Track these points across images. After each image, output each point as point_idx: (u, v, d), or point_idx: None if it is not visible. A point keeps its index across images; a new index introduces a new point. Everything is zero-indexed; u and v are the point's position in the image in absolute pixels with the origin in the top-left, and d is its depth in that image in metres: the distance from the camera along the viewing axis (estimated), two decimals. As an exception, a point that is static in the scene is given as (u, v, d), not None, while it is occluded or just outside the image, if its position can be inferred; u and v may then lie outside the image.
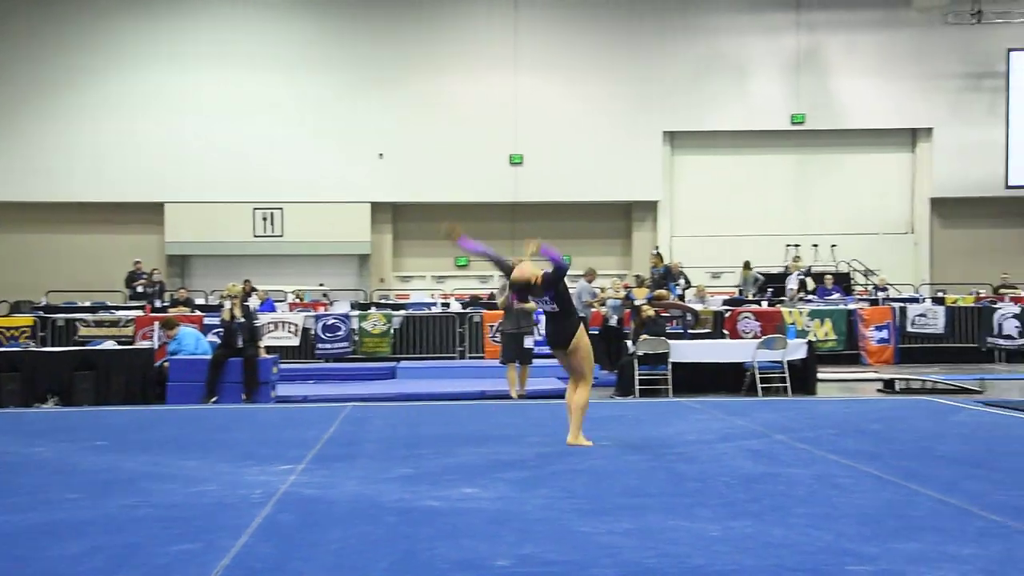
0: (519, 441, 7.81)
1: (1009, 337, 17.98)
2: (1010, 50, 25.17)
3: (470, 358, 17.37)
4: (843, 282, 22.09)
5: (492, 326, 17.37)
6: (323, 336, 17.38)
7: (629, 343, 12.92)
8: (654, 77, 25.76)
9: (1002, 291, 21.64)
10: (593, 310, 16.37)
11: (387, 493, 5.69)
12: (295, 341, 17.31)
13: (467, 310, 18.69)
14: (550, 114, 25.74)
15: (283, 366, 13.57)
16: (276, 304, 20.27)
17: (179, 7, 25.77)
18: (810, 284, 20.74)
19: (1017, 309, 18.26)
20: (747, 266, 21.61)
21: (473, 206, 26.04)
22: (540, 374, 13.52)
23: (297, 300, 21.62)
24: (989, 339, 18.06)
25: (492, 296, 22.06)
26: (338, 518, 5.07)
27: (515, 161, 25.80)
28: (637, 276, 16.79)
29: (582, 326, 7.50)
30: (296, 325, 17.49)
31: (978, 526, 4.75)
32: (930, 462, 6.66)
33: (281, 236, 25.41)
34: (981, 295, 21.29)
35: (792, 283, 20.75)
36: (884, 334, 18.07)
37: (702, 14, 25.93)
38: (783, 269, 23.11)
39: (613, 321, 15.33)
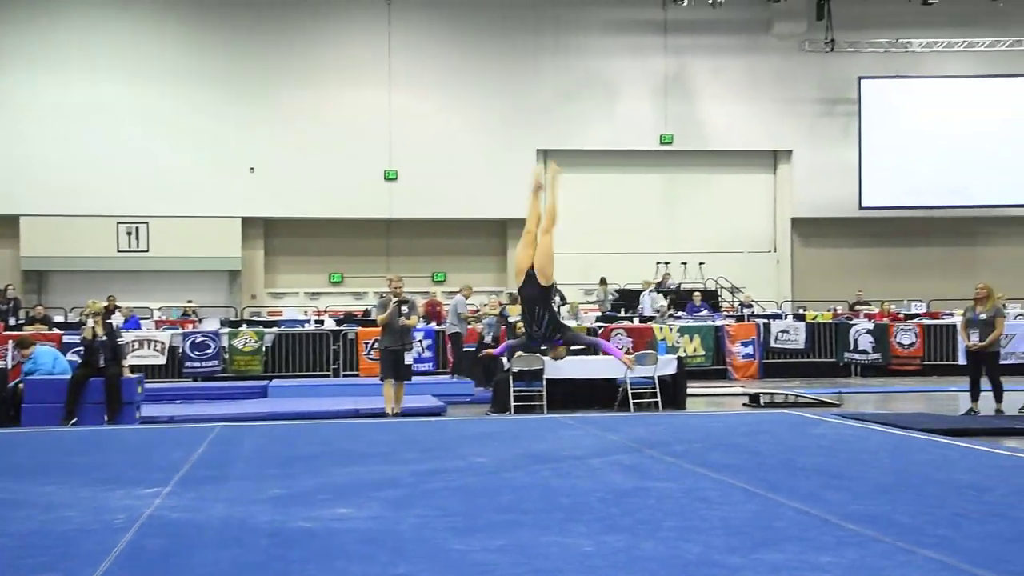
0: (393, 459, 7.73)
1: (864, 352, 18.85)
2: (861, 78, 26.42)
3: (344, 376, 17.12)
4: (711, 299, 22.78)
5: (367, 343, 17.17)
6: (191, 354, 16.84)
7: (504, 360, 12.95)
8: (528, 94, 26.04)
9: (857, 308, 22.69)
10: (469, 327, 16.38)
11: (258, 515, 5.53)
12: (162, 360, 16.71)
13: (341, 327, 18.42)
14: (425, 129, 25.69)
15: (149, 386, 13.08)
16: (141, 321, 19.55)
17: (39, 8, 24.63)
18: (659, 302, 21.19)
19: (871, 325, 19.17)
20: (603, 282, 22.11)
21: (347, 222, 25.77)
22: (417, 391, 13.43)
23: (163, 319, 20.90)
24: (846, 354, 18.88)
25: (367, 313, 21.86)
26: (206, 542, 4.89)
27: (390, 177, 25.64)
28: (511, 294, 16.86)
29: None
30: (163, 343, 16.90)
31: (837, 535, 4.94)
32: (793, 474, 6.90)
33: (147, 251, 24.51)
34: (838, 312, 22.29)
35: (646, 300, 21.21)
36: (749, 349, 18.70)
37: (574, 34, 26.37)
38: (655, 285, 23.66)
39: (488, 338, 15.36)
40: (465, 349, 16.00)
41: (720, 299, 24.10)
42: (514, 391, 12.43)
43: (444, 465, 7.41)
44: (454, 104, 25.89)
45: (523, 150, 25.98)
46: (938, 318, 20.48)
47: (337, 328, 18.24)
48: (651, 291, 21.57)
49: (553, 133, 26.25)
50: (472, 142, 25.83)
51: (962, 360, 16.84)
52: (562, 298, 20.13)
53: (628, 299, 22.75)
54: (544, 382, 12.50)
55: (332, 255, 26.22)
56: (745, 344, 18.68)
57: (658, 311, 20.53)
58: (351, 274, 26.31)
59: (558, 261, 26.47)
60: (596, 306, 22.08)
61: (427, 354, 17.41)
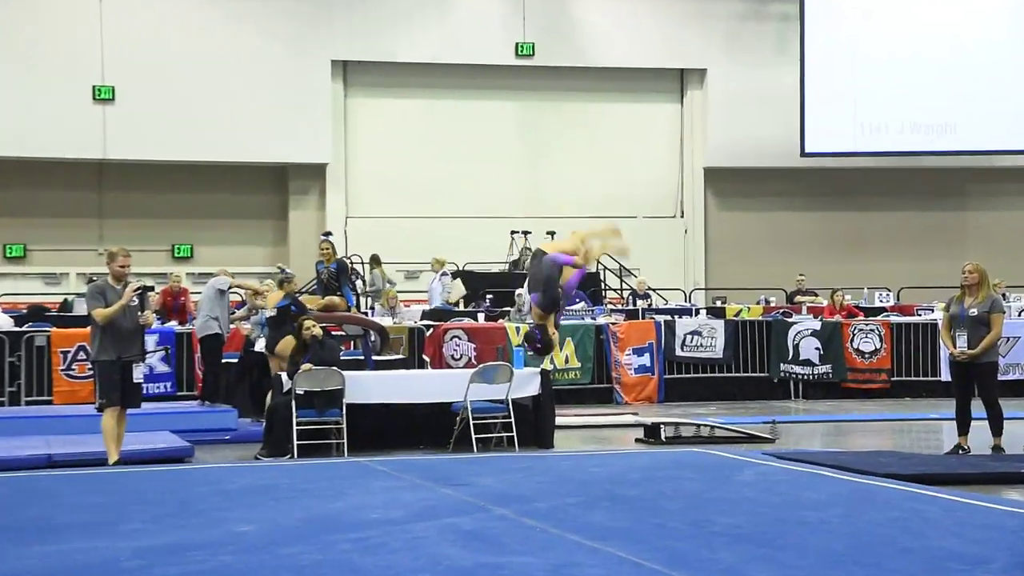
0: (109, 532, 7.49)
1: (808, 363, 19.50)
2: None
3: (29, 403, 16.57)
4: (589, 286, 23.08)
5: (66, 353, 16.65)
6: None
7: (284, 376, 12.74)
8: (319, -19, 25.89)
9: (798, 299, 23.43)
10: (233, 327, 16.06)
11: None
12: None
13: (25, 328, 17.78)
14: (157, 30, 25.06)
15: None
16: None
17: None
18: (455, 290, 21.29)
19: (817, 325, 19.84)
20: (439, 263, 21.94)
21: (34, 165, 24.91)
22: (147, 425, 13.06)
23: None
24: (783, 366, 19.49)
25: (67, 305, 21.18)
26: None
27: (102, 97, 24.86)
28: (281, 268, 16.60)
29: None
30: None
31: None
32: (707, 542, 7.01)
33: None
34: (771, 305, 22.95)
35: (435, 288, 21.13)
36: (645, 360, 19.02)
37: None
38: (508, 266, 23.84)
39: (261, 344, 15.09)
40: (225, 360, 15.72)
41: (603, 286, 24.48)
42: (298, 423, 12.27)
43: (189, 538, 7.23)
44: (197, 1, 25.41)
45: (312, 62, 25.77)
46: (911, 314, 21.38)
47: (18, 330, 17.59)
48: (442, 274, 21.56)
49: (356, 37, 26.16)
50: (234, 50, 25.40)
51: (945, 374, 17.61)
52: (361, 279, 20.05)
53: (474, 284, 22.85)
54: (344, 409, 12.39)
55: (9, 217, 25.30)
56: (639, 352, 19.01)
57: (450, 302, 20.63)
58: (40, 245, 25.49)
59: (365, 227, 26.62)
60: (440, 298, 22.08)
61: (163, 368, 17.01)
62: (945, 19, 27.36)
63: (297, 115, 25.77)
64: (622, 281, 25.09)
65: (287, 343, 13.69)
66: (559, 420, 13.94)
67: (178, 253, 26.02)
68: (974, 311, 12.00)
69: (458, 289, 21.87)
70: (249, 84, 25.47)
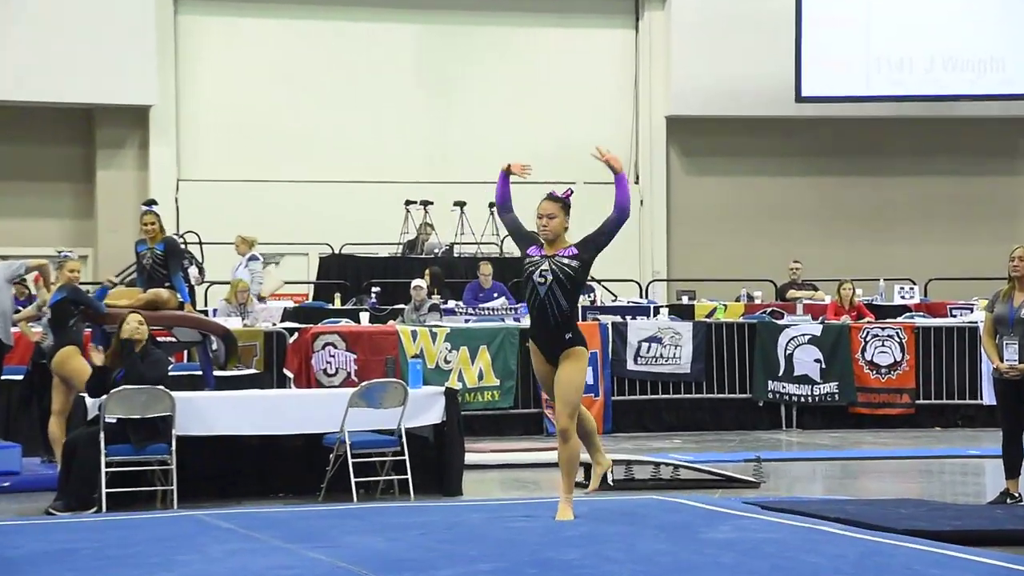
0: None
1: (804, 380, 19.64)
2: None
3: None
4: (512, 275, 23.12)
5: None
6: None
7: (87, 399, 12.61)
8: None
9: (792, 294, 23.58)
10: (16, 330, 15.86)
11: None
12: None
13: None
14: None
15: None
16: None
17: None
18: (270, 280, 20.96)
19: (817, 329, 19.99)
20: (245, 243, 21.36)
21: None
22: None
23: None
24: (771, 384, 19.64)
25: None
26: None
27: None
28: (60, 251, 16.29)
29: None
30: None
31: None
32: (669, 622, 7.04)
33: None
34: (756, 302, 23.08)
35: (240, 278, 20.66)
36: (587, 376, 19.06)
37: None
38: (402, 248, 23.83)
39: (48, 342, 14.90)
40: (6, 376, 15.54)
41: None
42: (108, 464, 12.16)
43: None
44: None
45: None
46: (943, 315, 21.62)
47: None
48: (250, 258, 20.97)
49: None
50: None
51: (988, 396, 17.80)
52: (200, 269, 19.95)
53: (353, 272, 22.83)
54: (173, 444, 12.29)
55: None
56: (579, 365, 19.07)
57: (262, 296, 20.35)
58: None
59: (203, 195, 26.42)
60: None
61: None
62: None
63: (108, 37, 25.55)
64: (556, 268, 25.13)
65: (66, 355, 13.61)
66: (470, 458, 13.95)
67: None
68: (1028, 311, 12.18)
69: (273, 279, 21.63)
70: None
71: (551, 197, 10.26)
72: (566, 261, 9.78)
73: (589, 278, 23.01)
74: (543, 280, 9.74)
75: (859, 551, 9.13)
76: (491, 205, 24.85)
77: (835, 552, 9.07)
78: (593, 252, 9.98)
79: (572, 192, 10.40)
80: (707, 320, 20.53)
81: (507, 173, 10.62)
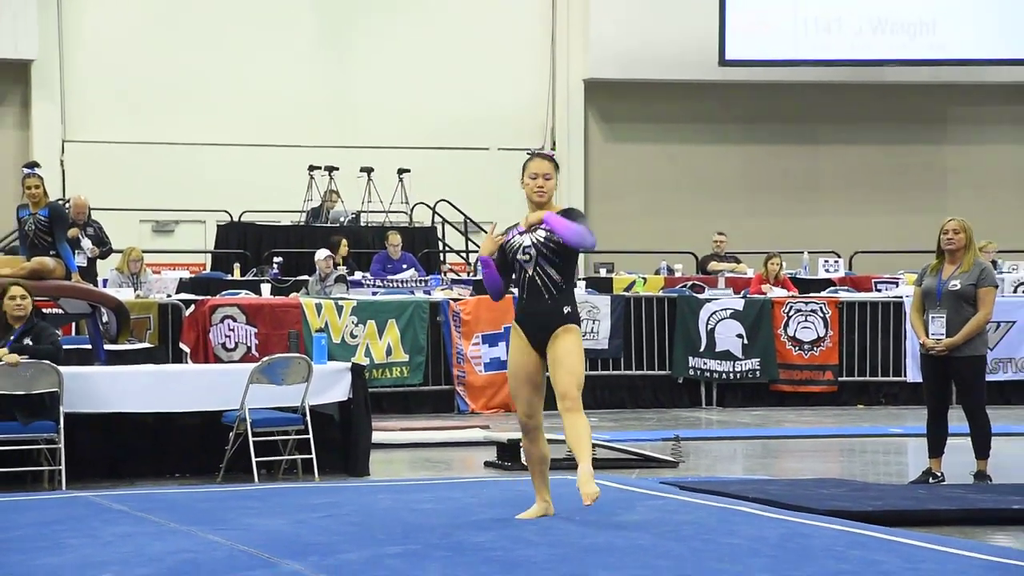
0: None
1: (726, 356, 19.82)
2: None
3: None
4: (422, 245, 23.16)
5: None
6: None
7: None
8: None
9: (714, 267, 23.76)
10: None
11: None
12: None
13: None
14: None
15: None
16: None
17: None
18: (88, 245, 20.39)
19: (740, 303, 20.18)
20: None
21: None
22: None
23: None
24: (691, 360, 19.80)
25: None
26: None
27: None
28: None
29: None
30: None
31: None
32: (582, 605, 7.14)
33: None
34: (677, 275, 23.23)
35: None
36: (500, 351, 19.14)
37: None
38: (306, 216, 23.80)
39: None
40: None
41: (443, 247, 24.56)
42: (-8, 443, 12.14)
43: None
44: None
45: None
46: (868, 289, 21.87)
47: None
48: (90, 229, 20.31)
49: None
50: None
51: (913, 373, 18.05)
52: (100, 238, 19.81)
53: (254, 241, 22.79)
54: (61, 422, 12.26)
55: None
56: (491, 341, 19.14)
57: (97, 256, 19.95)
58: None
59: (93, 157, 26.24)
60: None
61: None
62: None
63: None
64: (468, 240, 25.16)
65: None
66: (377, 436, 13.98)
67: None
68: (956, 284, 12.27)
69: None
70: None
71: (543, 156, 9.90)
72: (544, 232, 9.44)
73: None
74: (527, 257, 9.41)
75: (779, 532, 9.27)
76: (400, 171, 24.95)
77: (755, 534, 9.20)
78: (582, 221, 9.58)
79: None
80: (626, 294, 20.66)
81: (488, 257, 9.66)
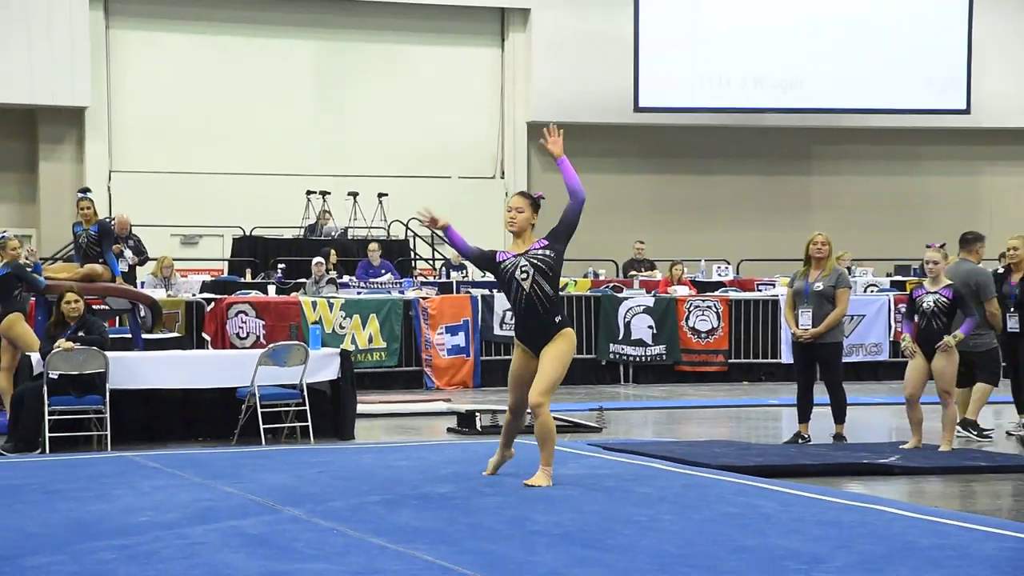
0: None
1: (639, 343, 19.88)
2: None
3: None
4: (398, 255, 23.13)
5: None
6: None
7: (35, 357, 12.51)
8: None
9: (632, 272, 23.83)
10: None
11: None
12: None
13: None
14: None
15: None
16: None
17: None
18: (128, 255, 20.30)
19: (651, 301, 20.24)
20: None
21: None
22: None
23: None
24: (612, 346, 19.86)
25: None
26: None
27: None
28: (2, 234, 16.01)
29: None
30: None
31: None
32: (527, 543, 7.16)
33: None
34: (600, 277, 23.28)
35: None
36: (460, 339, 19.16)
37: None
38: (304, 231, 23.74)
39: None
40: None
41: (414, 255, 24.52)
42: (51, 412, 12.06)
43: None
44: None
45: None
46: (752, 289, 21.95)
47: None
48: (131, 241, 19.74)
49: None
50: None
51: (786, 356, 18.15)
52: (139, 249, 19.71)
53: (262, 251, 22.71)
54: (107, 396, 12.21)
55: None
56: (453, 331, 19.14)
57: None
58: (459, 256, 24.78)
59: (133, 185, 26.01)
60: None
61: None
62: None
63: (48, 47, 25.14)
64: (434, 250, 25.16)
65: (12, 321, 13.46)
66: (361, 408, 14.00)
67: None
68: (820, 286, 12.42)
69: None
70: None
71: (522, 193, 9.66)
72: (541, 253, 9.10)
73: (463, 258, 23.37)
74: (525, 275, 9.03)
75: (682, 483, 9.38)
76: (379, 195, 24.91)
77: (663, 484, 9.30)
78: (564, 240, 9.37)
79: (543, 196, 9.81)
80: (560, 293, 20.62)
81: (444, 227, 9.33)
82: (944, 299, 11.73)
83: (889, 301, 20.30)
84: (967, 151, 29.71)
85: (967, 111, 28.76)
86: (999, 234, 18.40)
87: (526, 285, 9.00)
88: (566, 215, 9.39)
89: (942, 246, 12.15)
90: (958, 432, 12.49)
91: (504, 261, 9.09)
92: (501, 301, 19.69)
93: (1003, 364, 13.61)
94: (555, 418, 13.95)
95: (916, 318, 11.85)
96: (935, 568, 6.60)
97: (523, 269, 9.03)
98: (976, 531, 7.71)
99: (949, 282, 11.90)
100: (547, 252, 9.11)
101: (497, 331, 19.44)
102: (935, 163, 29.86)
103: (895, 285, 22.43)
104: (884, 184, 29.73)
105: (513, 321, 9.08)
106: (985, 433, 13.09)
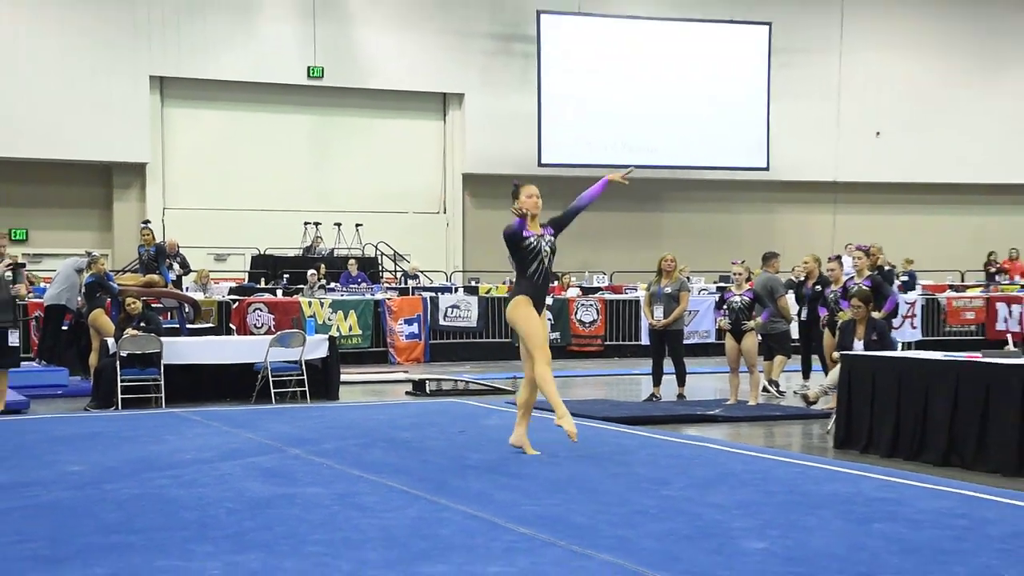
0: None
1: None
2: (540, 12, 27.53)
3: None
4: (369, 268, 23.09)
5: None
6: None
7: (110, 341, 12.47)
8: (139, 5, 24.95)
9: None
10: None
11: None
12: None
13: None
14: (-1, 48, 23.89)
15: None
16: None
17: None
18: (177, 270, 20.20)
19: (550, 300, 20.26)
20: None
21: None
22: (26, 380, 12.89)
23: None
24: (521, 333, 19.89)
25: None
26: None
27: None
28: (89, 252, 15.98)
29: None
30: None
31: (507, 541, 5.24)
32: (461, 473, 7.22)
33: None
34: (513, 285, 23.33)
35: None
36: (414, 328, 19.18)
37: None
38: (302, 251, 23.66)
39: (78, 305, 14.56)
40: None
41: (381, 268, 24.50)
42: (122, 380, 11.99)
43: (25, 477, 7.08)
44: (30, 12, 24.25)
45: (133, 77, 24.98)
46: (621, 292, 22.15)
47: None
48: (178, 258, 19.25)
49: (172, 57, 25.40)
50: (63, 64, 24.35)
51: (645, 339, 18.37)
52: (184, 264, 19.57)
53: (272, 265, 22.60)
54: (162, 368, 12.17)
55: None
56: (409, 322, 19.16)
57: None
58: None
59: (180, 217, 25.66)
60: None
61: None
62: (649, 64, 28.19)
63: (121, 121, 24.84)
64: (396, 265, 25.16)
65: (96, 314, 13.48)
66: (344, 377, 14.03)
67: (15, 235, 24.82)
68: (668, 290, 12.63)
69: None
70: (76, 93, 24.39)
71: (531, 183, 8.75)
72: (549, 238, 8.39)
73: (417, 270, 23.40)
74: (548, 252, 8.30)
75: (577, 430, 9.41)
76: (357, 225, 24.84)
77: (559, 431, 9.29)
78: (561, 230, 8.54)
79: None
80: (486, 295, 20.72)
81: (608, 181, 8.79)
82: (747, 299, 12.07)
83: (715, 301, 20.49)
84: (767, 196, 30.01)
85: (767, 168, 29.20)
86: (789, 256, 18.75)
87: (547, 261, 8.26)
88: (568, 212, 8.57)
89: (743, 262, 12.44)
90: (763, 391, 12.71)
91: (529, 238, 8.28)
92: (444, 301, 19.74)
93: (796, 342, 13.89)
94: (482, 383, 14.13)
95: (728, 312, 12.12)
96: (745, 486, 6.72)
97: (545, 248, 8.29)
98: (774, 460, 7.85)
99: (749, 287, 12.26)
100: (554, 239, 8.40)
101: (442, 321, 19.47)
102: (745, 204, 30.14)
103: (719, 289, 22.60)
104: (710, 219, 30.00)
105: (524, 285, 8.19)
106: (781, 391, 13.32)
